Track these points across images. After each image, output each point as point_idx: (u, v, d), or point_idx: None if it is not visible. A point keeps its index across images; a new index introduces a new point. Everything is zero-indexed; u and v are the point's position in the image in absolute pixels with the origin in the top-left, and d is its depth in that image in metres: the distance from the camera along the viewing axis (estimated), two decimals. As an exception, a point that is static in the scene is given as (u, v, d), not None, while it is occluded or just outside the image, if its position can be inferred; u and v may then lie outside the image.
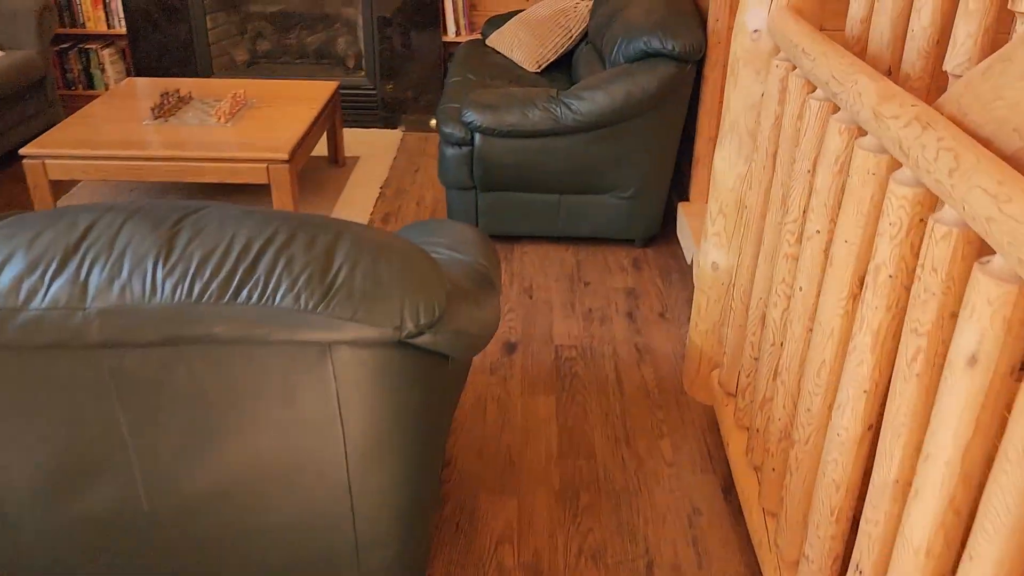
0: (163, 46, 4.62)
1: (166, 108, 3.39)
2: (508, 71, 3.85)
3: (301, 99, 3.67)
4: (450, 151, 3.12)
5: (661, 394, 2.51)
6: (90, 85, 4.80)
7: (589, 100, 2.96)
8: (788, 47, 1.79)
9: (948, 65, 1.43)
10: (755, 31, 2.02)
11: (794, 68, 1.82)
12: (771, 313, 1.85)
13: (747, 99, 2.09)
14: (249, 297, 1.29)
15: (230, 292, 1.28)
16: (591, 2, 3.94)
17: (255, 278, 1.29)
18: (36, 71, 4.06)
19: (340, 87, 4.68)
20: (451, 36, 4.64)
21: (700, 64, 3.10)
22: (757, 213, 2.02)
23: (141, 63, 4.68)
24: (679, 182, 3.46)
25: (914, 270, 1.29)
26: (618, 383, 2.55)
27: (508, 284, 3.08)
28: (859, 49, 1.84)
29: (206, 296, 1.28)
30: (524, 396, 2.49)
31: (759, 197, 2.00)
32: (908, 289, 1.31)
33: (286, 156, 3.08)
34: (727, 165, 2.19)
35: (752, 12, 2.01)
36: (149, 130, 3.25)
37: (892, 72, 1.76)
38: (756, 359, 2.04)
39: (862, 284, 1.46)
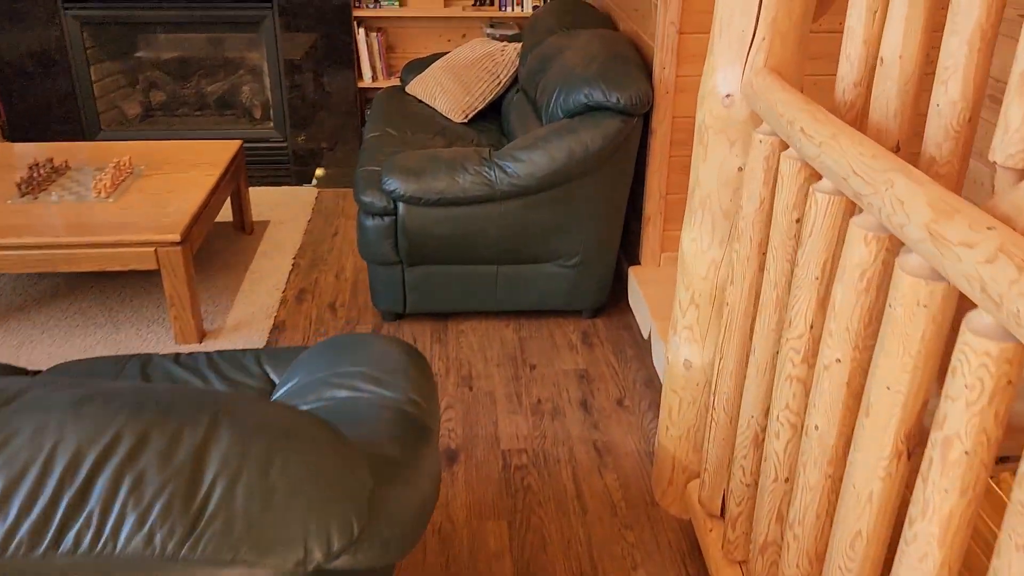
0: (41, 103, 4.11)
1: (35, 182, 2.91)
2: (432, 123, 3.49)
3: (198, 162, 3.23)
4: (370, 223, 2.74)
5: (629, 508, 2.16)
6: (-42, 147, 4.24)
7: (527, 162, 2.62)
8: (775, 120, 1.47)
9: (998, 155, 1.13)
10: (727, 95, 1.70)
11: (785, 147, 1.50)
12: (772, 443, 1.51)
13: (721, 174, 1.77)
14: (77, 544, 0.88)
15: (47, 539, 0.88)
16: (519, 45, 3.62)
17: (85, 513, 0.89)
18: None
19: (246, 141, 4.26)
20: (367, 82, 4.26)
21: (647, 116, 2.79)
22: (742, 312, 1.69)
23: (16, 124, 4.15)
24: (628, 243, 3.15)
25: (995, 445, 0.97)
26: (578, 496, 2.19)
27: (444, 374, 2.69)
28: (854, 117, 1.53)
29: (12, 548, 0.87)
30: (471, 522, 2.10)
31: (744, 295, 1.67)
32: (988, 466, 0.99)
33: (178, 237, 2.64)
34: (698, 248, 1.86)
35: (723, 73, 1.70)
36: (13, 211, 2.77)
37: (901, 148, 1.46)
38: (750, 486, 1.70)
39: (909, 440, 1.13)
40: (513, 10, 4.18)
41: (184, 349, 2.80)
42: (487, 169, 2.63)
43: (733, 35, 1.66)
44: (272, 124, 4.30)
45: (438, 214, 2.67)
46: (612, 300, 3.11)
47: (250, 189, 4.12)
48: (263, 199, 3.99)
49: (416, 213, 2.67)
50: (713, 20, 1.72)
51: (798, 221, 1.45)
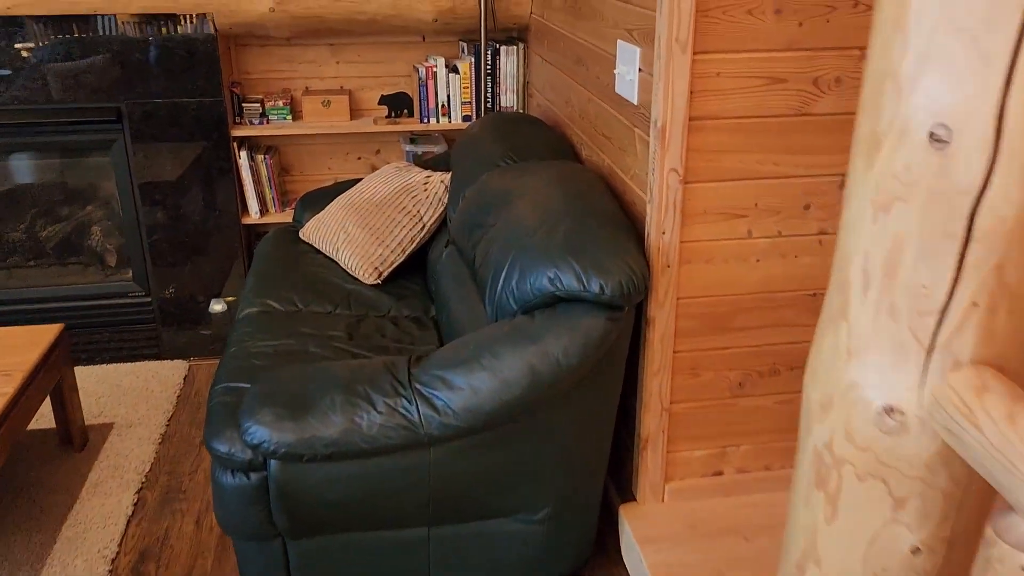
0: None
1: None
2: (332, 287, 2.55)
3: (3, 356, 2.22)
4: (229, 481, 1.76)
5: None
6: None
7: (466, 391, 1.69)
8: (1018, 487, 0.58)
9: None
10: (890, 411, 0.81)
11: None
12: None
13: (868, 554, 0.87)
14: None
15: None
16: (446, 176, 2.73)
17: None
18: None
19: (97, 297, 3.26)
20: (255, 217, 3.32)
21: (641, 303, 1.91)
22: None
23: None
24: (617, 471, 2.23)
25: None
26: None
27: None
28: None
29: None
30: None
31: None
32: None
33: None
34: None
35: (877, 369, 0.81)
36: None
37: None
38: None
39: None
40: (438, 122, 3.31)
41: None
42: (405, 403, 1.70)
43: (904, 290, 0.78)
44: (131, 274, 3.30)
45: (330, 471, 1.72)
46: (602, 550, 2.17)
47: (99, 367, 3.09)
48: (111, 385, 2.97)
49: (297, 472, 1.71)
50: (840, 249, 0.84)
51: None
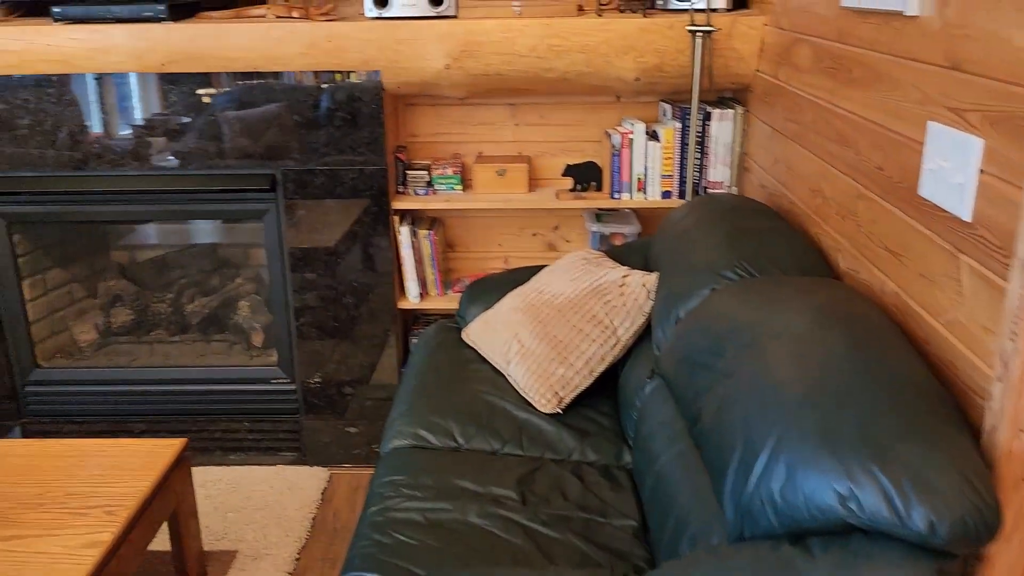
0: (-48, 330, 2.88)
1: None
2: (499, 417, 2.03)
3: (93, 497, 1.85)
4: None
5: None
6: None
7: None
8: None
9: None
10: None
11: None
12: None
13: None
14: None
15: None
16: (648, 278, 2.16)
17: None
18: None
19: (240, 381, 2.91)
20: (413, 301, 2.88)
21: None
22: None
23: (-84, 357, 2.93)
24: None
25: None
26: None
27: None
28: None
29: None
30: None
31: None
32: None
33: None
34: None
35: None
36: None
37: None
38: None
39: None
40: (632, 197, 2.76)
41: None
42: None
43: None
44: (276, 357, 2.94)
45: None
46: None
47: (232, 469, 2.72)
48: (241, 496, 2.58)
49: None
50: None
51: None
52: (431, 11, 2.51)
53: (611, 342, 2.08)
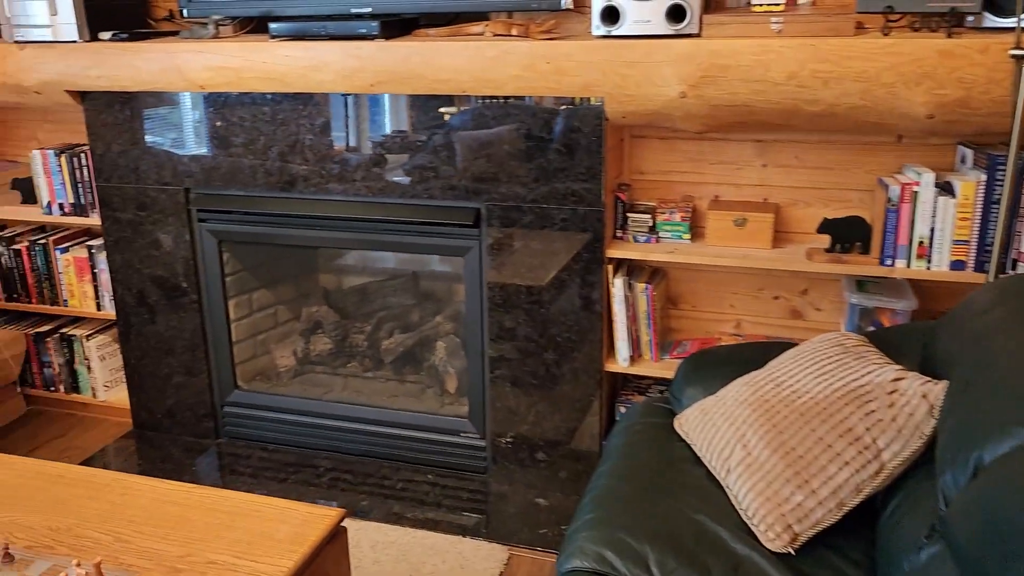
0: (163, 342, 2.88)
1: None
2: (710, 544, 1.58)
3: (254, 555, 1.63)
4: None
5: None
6: (75, 387, 3.15)
7: None
8: None
9: None
10: None
11: None
12: None
13: None
14: None
15: None
16: (934, 387, 1.60)
17: None
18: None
19: (427, 429, 2.68)
20: (622, 364, 2.48)
21: None
22: None
23: (135, 365, 2.96)
24: None
25: None
26: None
27: None
28: None
29: None
30: None
31: None
32: None
33: None
34: None
35: None
36: None
37: None
38: None
39: None
40: (909, 265, 2.18)
41: None
42: None
43: None
44: (467, 408, 2.66)
45: None
46: None
47: (403, 530, 2.46)
48: (407, 566, 2.30)
49: None
50: None
51: None
52: (669, 28, 2.10)
53: (871, 468, 1.56)
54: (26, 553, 1.68)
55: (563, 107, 2.27)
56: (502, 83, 2.24)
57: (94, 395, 3.12)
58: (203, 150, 2.62)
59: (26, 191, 3.03)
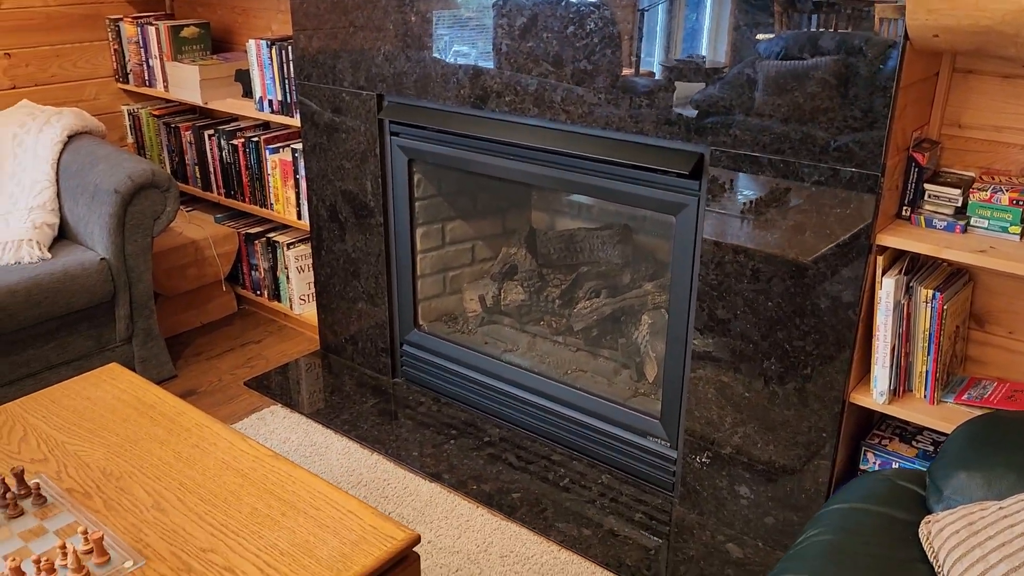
0: (350, 263, 2.61)
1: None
2: None
3: (301, 561, 1.28)
4: None
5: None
6: (276, 295, 3.03)
7: None
8: None
9: None
10: None
11: None
12: None
13: None
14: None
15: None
16: None
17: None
18: (80, 290, 2.37)
19: (608, 420, 2.17)
20: (876, 400, 1.73)
21: None
22: None
23: (324, 283, 2.75)
24: None
25: None
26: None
27: None
28: None
29: None
30: None
31: None
32: None
33: None
34: None
35: None
36: None
37: None
38: None
39: None
40: None
41: None
42: None
43: None
44: (659, 407, 2.07)
45: None
46: None
47: (556, 550, 1.97)
48: (541, 593, 1.82)
49: None
50: None
51: None
52: None
53: None
54: (61, 498, 1.45)
55: (834, 17, 1.53)
56: (751, -25, 1.54)
57: (291, 307, 2.97)
58: (394, 49, 2.23)
59: (246, 84, 2.88)
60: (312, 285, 2.95)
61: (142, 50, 3.07)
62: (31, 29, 2.96)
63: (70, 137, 2.59)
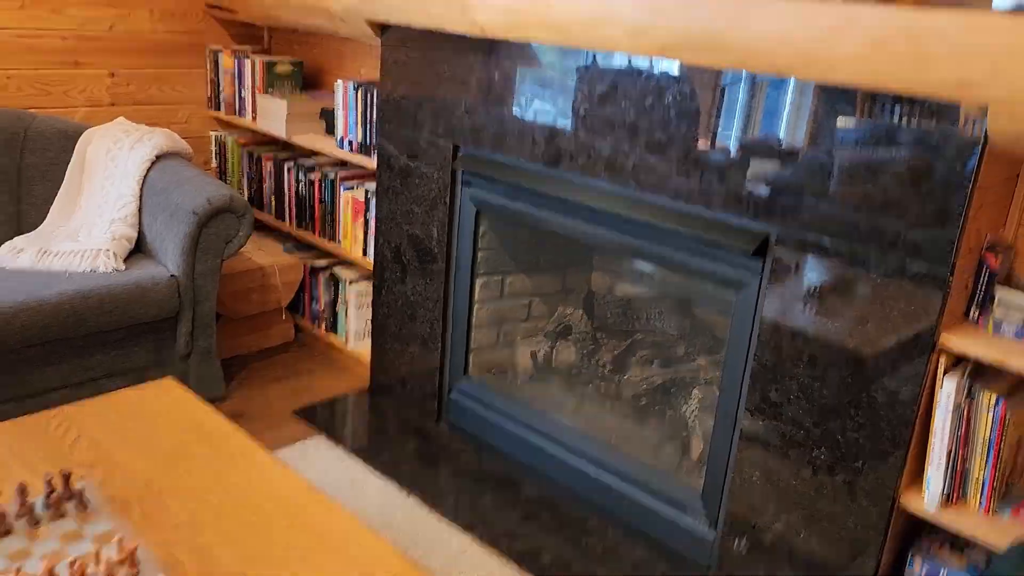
0: (408, 306, 2.65)
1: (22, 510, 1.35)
2: None
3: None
4: None
5: None
6: (333, 327, 3.09)
7: None
8: None
9: None
10: None
11: None
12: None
13: None
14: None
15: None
16: None
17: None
18: (149, 304, 2.45)
19: (645, 488, 2.13)
20: (927, 508, 1.67)
21: None
22: None
23: (381, 323, 2.79)
24: None
25: None
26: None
27: None
28: None
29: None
30: None
31: None
32: None
33: None
34: None
35: None
36: None
37: None
38: None
39: None
40: None
41: None
42: None
43: None
44: (701, 488, 2.03)
45: None
46: None
47: (576, 609, 1.94)
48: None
49: None
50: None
51: None
52: None
53: None
54: (102, 505, 1.48)
55: (916, 110, 1.52)
56: (834, 63, 1.55)
57: (347, 342, 3.02)
58: (475, 103, 2.29)
59: (330, 122, 2.98)
60: (369, 323, 3.00)
61: (236, 81, 3.21)
62: (137, 52, 3.12)
63: (159, 156, 2.71)
